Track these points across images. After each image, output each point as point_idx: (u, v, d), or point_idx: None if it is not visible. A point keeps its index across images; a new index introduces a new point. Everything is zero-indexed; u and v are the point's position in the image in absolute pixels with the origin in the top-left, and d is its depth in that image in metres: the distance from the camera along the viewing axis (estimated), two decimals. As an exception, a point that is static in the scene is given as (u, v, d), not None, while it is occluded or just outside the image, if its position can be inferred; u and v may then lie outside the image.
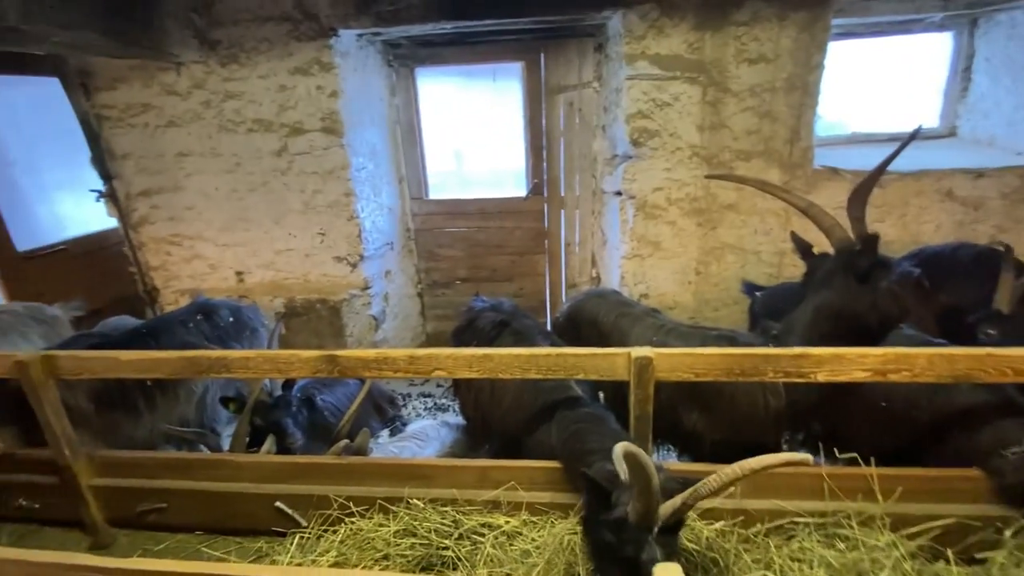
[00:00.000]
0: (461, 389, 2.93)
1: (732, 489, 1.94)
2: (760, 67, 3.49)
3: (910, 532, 1.88)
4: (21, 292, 3.66)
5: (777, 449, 2.21)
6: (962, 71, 4.27)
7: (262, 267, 4.29)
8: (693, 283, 4.01)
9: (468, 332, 2.86)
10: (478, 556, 1.93)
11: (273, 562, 2.11)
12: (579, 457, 1.85)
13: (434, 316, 4.97)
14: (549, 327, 4.10)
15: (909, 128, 2.26)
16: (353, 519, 2.16)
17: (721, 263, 3.94)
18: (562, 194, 4.46)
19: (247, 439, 2.63)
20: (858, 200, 2.13)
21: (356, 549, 2.04)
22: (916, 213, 3.78)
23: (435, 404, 4.04)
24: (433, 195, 4.69)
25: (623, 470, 1.39)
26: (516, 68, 4.26)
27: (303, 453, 2.62)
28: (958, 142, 4.37)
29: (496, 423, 2.48)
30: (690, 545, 1.87)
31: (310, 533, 2.16)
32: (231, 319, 3.30)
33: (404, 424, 3.63)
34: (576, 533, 1.92)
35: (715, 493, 1.43)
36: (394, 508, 2.15)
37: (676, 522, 1.50)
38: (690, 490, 1.44)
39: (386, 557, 1.99)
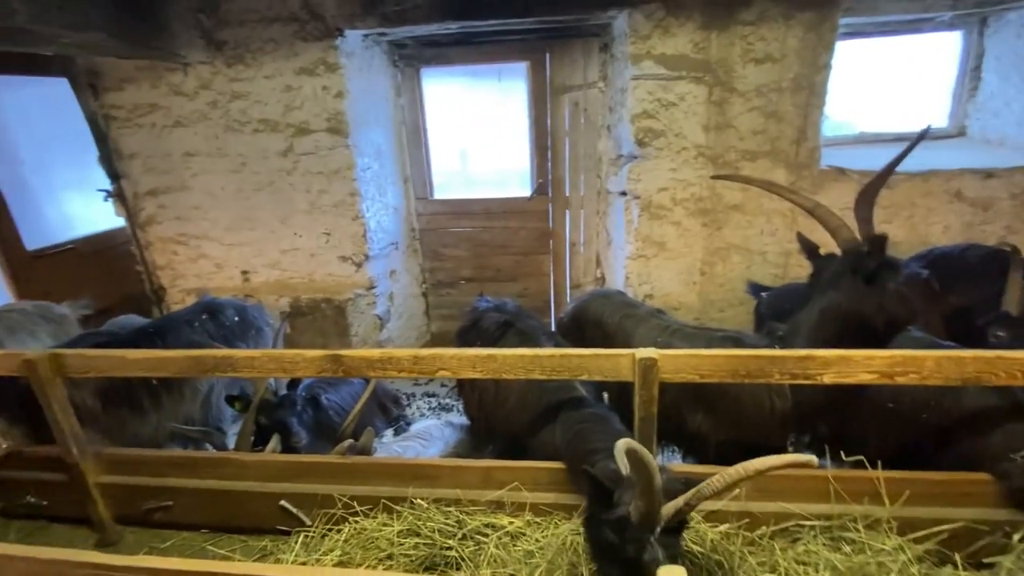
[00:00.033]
0: (465, 389, 2.93)
1: (737, 491, 1.95)
2: (767, 67, 3.47)
3: (917, 536, 1.87)
4: (30, 291, 3.68)
5: (782, 451, 2.20)
6: (971, 70, 4.23)
7: (267, 266, 4.31)
8: (698, 284, 4.00)
9: (472, 332, 2.86)
10: (482, 556, 1.93)
11: (278, 561, 2.12)
12: (582, 457, 1.84)
13: (438, 316, 4.98)
14: (553, 327, 4.10)
15: (917, 128, 2.25)
16: (357, 518, 2.17)
17: (726, 264, 3.92)
18: (567, 194, 4.46)
19: (252, 438, 2.64)
20: (866, 201, 2.11)
21: (360, 548, 2.04)
22: (924, 214, 3.75)
23: (439, 404, 4.04)
24: (438, 195, 4.69)
25: (624, 465, 1.39)
26: (521, 68, 4.25)
27: (308, 452, 2.63)
28: (967, 142, 4.33)
29: (500, 423, 2.48)
30: (695, 547, 1.86)
31: (314, 532, 2.17)
32: (236, 318, 3.32)
33: (408, 424, 3.64)
34: (579, 534, 1.92)
35: (718, 494, 1.42)
36: (398, 508, 2.16)
37: (679, 523, 1.50)
38: (693, 490, 1.43)
39: (390, 557, 2.00)
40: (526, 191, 4.54)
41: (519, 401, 2.35)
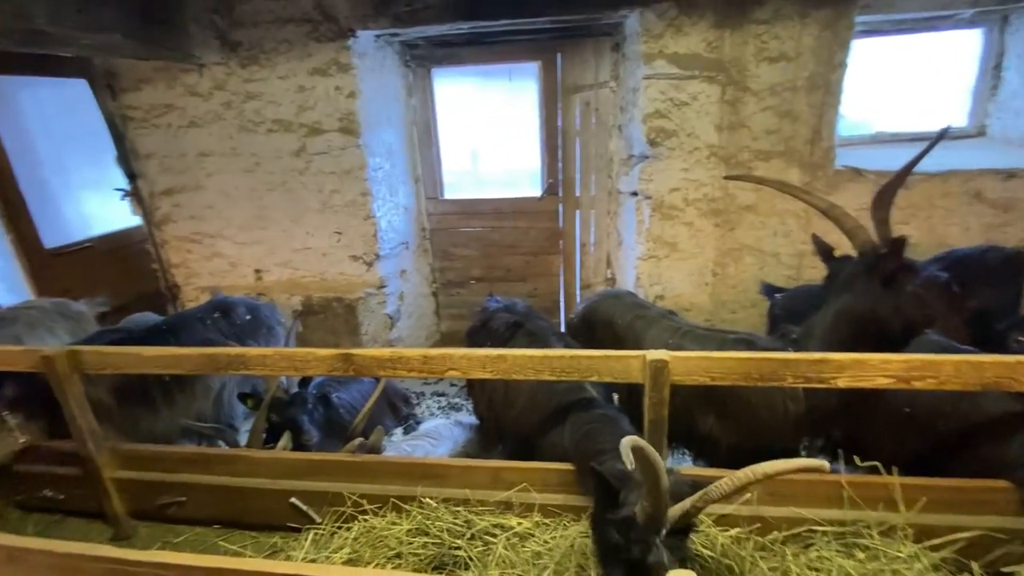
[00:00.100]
0: (475, 389, 2.93)
1: (749, 495, 1.92)
2: (781, 66, 3.43)
3: (933, 544, 1.83)
4: (49, 288, 3.74)
5: (795, 455, 2.17)
6: (992, 69, 4.14)
7: (280, 265, 4.35)
8: (710, 285, 3.96)
9: (482, 332, 2.86)
10: (490, 557, 1.93)
11: (288, 557, 2.14)
12: (591, 457, 1.83)
13: (448, 315, 4.99)
14: (563, 328, 4.09)
15: (935, 128, 2.20)
16: (366, 517, 2.17)
17: (739, 265, 3.88)
18: (577, 194, 4.44)
19: (264, 435, 2.67)
20: (883, 202, 2.07)
21: (369, 547, 2.05)
22: (943, 215, 3.68)
23: (449, 403, 4.05)
24: (448, 195, 4.70)
25: (630, 461, 1.37)
26: (532, 68, 4.25)
27: (318, 450, 2.64)
28: (988, 142, 4.24)
29: (509, 424, 2.48)
30: (705, 551, 1.84)
31: (324, 530, 2.18)
32: (248, 317, 3.35)
33: (418, 423, 3.65)
34: (588, 536, 1.91)
35: (726, 497, 1.41)
36: (407, 507, 2.16)
37: (686, 525, 1.48)
38: (700, 492, 1.42)
39: (398, 555, 2.00)
40: (536, 191, 4.53)
41: (529, 402, 2.35)
